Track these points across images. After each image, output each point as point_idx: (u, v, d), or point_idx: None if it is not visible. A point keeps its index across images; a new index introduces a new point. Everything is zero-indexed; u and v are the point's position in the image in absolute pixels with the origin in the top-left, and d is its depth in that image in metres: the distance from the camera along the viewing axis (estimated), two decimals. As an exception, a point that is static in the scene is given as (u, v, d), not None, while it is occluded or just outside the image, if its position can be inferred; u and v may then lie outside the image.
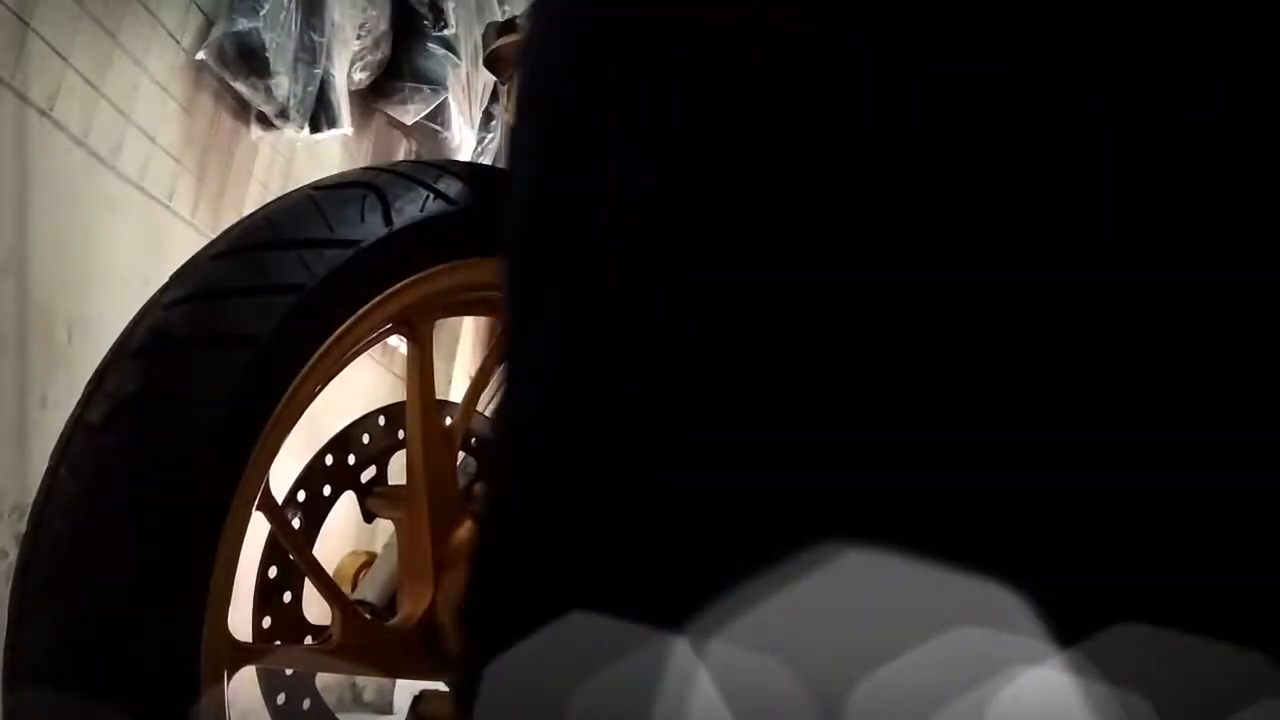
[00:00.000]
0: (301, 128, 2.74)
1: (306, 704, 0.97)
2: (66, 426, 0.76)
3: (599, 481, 0.46)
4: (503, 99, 1.20)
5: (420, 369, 0.97)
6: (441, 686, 0.99)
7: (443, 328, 3.61)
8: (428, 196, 0.91)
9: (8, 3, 1.91)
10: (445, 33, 3.29)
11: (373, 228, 0.86)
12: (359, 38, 2.99)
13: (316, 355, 0.83)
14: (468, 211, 0.94)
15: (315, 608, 0.99)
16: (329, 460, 1.04)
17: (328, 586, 0.93)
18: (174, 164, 2.48)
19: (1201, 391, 0.48)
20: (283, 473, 0.88)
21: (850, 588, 0.51)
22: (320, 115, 2.81)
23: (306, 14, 2.65)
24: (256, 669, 0.90)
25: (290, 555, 0.97)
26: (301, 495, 1.02)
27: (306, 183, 0.93)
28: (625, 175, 0.48)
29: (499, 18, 3.13)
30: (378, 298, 0.88)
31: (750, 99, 0.47)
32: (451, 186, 0.93)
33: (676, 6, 0.49)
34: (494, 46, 1.17)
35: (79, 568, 0.72)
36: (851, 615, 0.52)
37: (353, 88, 3.06)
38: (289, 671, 0.97)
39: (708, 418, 0.47)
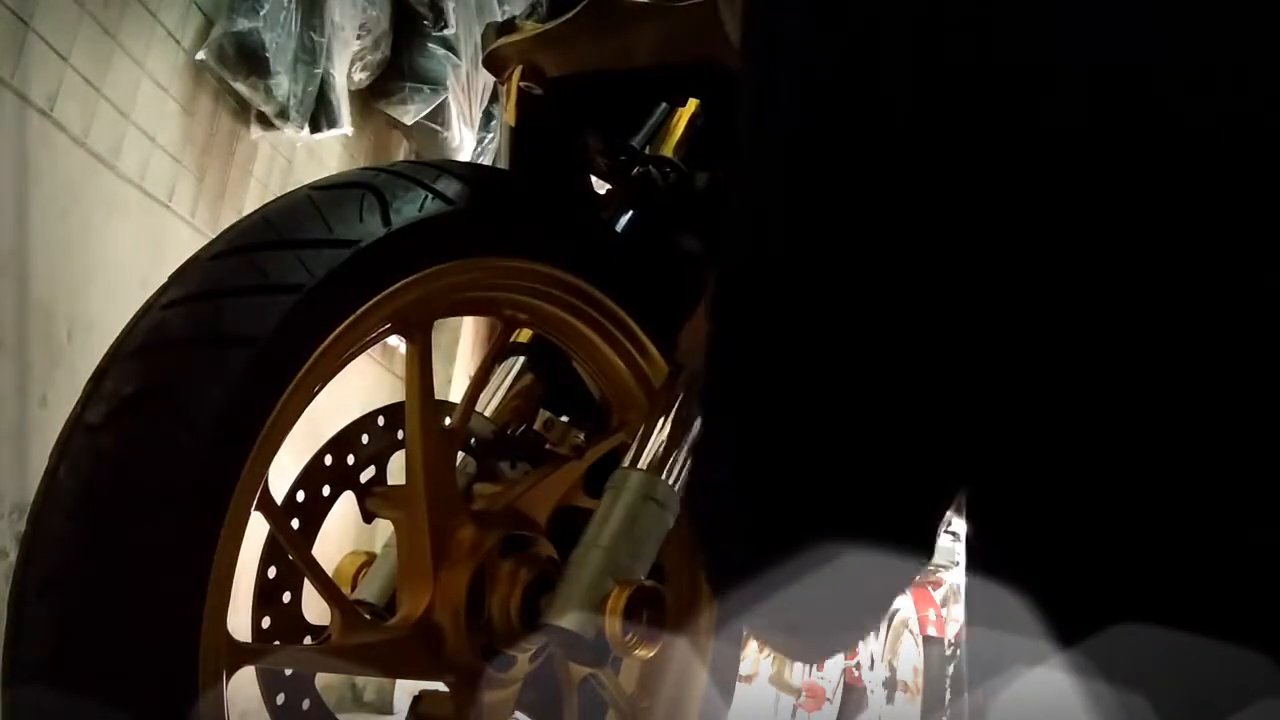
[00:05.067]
0: (301, 128, 2.74)
1: (306, 704, 0.97)
2: (65, 426, 0.76)
3: None
4: (502, 99, 1.20)
5: (419, 369, 0.97)
6: (441, 687, 0.99)
7: (442, 328, 3.61)
8: (426, 196, 0.91)
9: (8, 3, 1.91)
10: (445, 33, 3.28)
11: (371, 228, 0.86)
12: (359, 38, 2.99)
13: (315, 355, 0.83)
14: (466, 211, 0.94)
15: (315, 608, 0.98)
16: (328, 460, 1.04)
17: (327, 587, 0.93)
18: (174, 164, 2.48)
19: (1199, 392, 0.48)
20: (282, 473, 0.88)
21: None
22: (320, 115, 2.81)
23: (306, 14, 2.64)
24: (256, 669, 0.89)
25: (289, 555, 0.97)
26: (301, 495, 1.01)
27: (306, 183, 0.93)
28: None
29: (499, 18, 3.13)
30: (376, 298, 0.87)
31: None
32: (450, 187, 0.93)
33: None
34: (494, 46, 1.17)
35: (78, 568, 0.71)
36: None
37: (353, 88, 3.05)
38: (288, 671, 0.97)
39: None
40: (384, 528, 1.01)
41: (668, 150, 1.18)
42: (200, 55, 2.47)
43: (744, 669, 4.56)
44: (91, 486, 0.73)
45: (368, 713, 3.51)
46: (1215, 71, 0.47)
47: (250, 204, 2.74)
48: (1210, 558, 0.48)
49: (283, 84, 2.58)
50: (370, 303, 0.87)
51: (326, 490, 1.03)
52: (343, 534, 1.30)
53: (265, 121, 2.70)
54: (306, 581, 0.95)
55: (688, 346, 1.04)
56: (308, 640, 1.01)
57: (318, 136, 2.85)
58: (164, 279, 0.83)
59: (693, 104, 1.18)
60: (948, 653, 4.58)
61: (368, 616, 0.98)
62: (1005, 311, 0.53)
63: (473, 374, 1.12)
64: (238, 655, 0.82)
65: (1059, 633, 0.50)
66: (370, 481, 1.06)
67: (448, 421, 1.07)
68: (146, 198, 2.39)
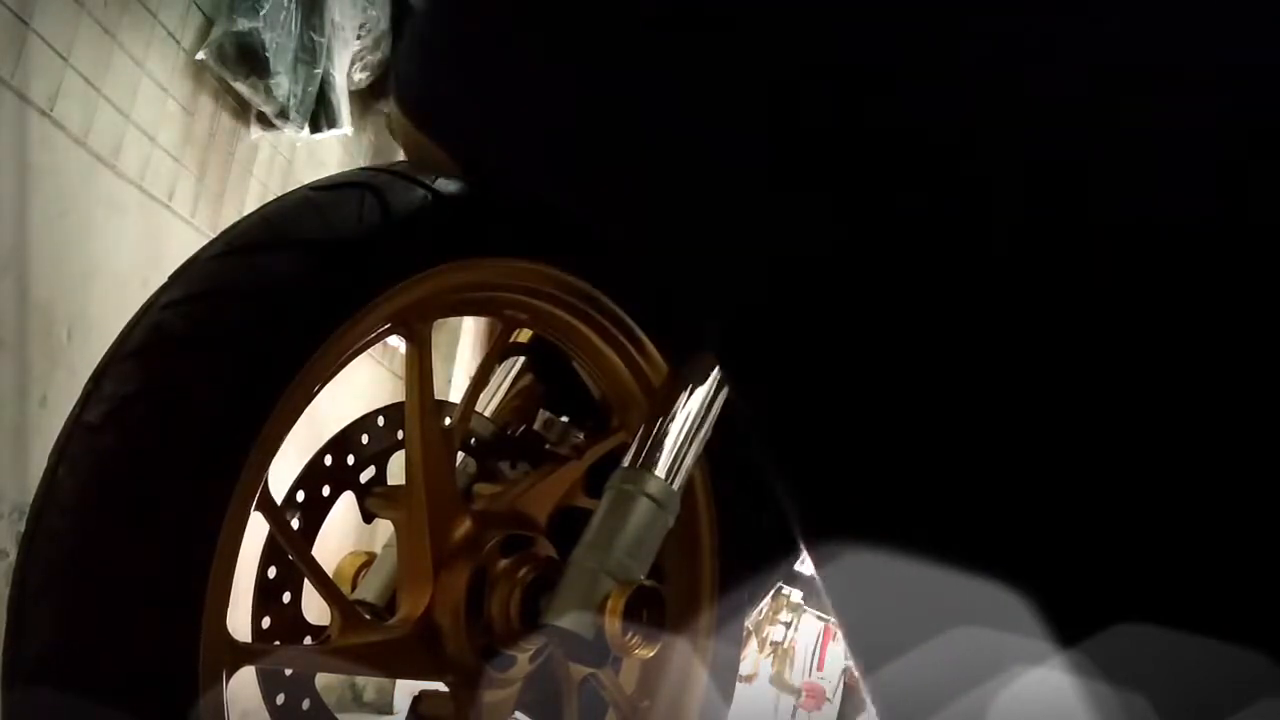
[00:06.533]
0: (301, 128, 2.74)
1: (306, 704, 0.97)
2: (65, 427, 0.76)
3: None
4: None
5: (419, 369, 0.97)
6: (441, 687, 0.99)
7: (442, 328, 3.61)
8: (425, 196, 0.91)
9: (8, 3, 1.91)
10: (445, 33, 3.28)
11: (370, 228, 0.86)
12: (359, 38, 2.99)
13: (314, 355, 0.83)
14: (466, 211, 0.94)
15: (315, 608, 0.99)
16: (328, 461, 1.04)
17: (327, 587, 0.93)
18: (174, 164, 2.48)
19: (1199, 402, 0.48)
20: (282, 473, 0.88)
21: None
22: (320, 115, 2.81)
23: (306, 14, 2.64)
24: (256, 669, 0.89)
25: (289, 555, 0.97)
26: (300, 495, 1.01)
27: (306, 183, 0.93)
28: None
29: (499, 18, 3.13)
30: (376, 298, 0.87)
31: None
32: (449, 186, 0.93)
33: None
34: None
35: (77, 568, 0.71)
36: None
37: (353, 88, 3.05)
38: (288, 671, 0.96)
39: None
40: (384, 528, 1.01)
41: (667, 150, 1.18)
42: (200, 55, 2.47)
43: (744, 669, 4.55)
44: (91, 486, 0.73)
45: (368, 713, 3.51)
46: None
47: (250, 204, 2.74)
48: (1210, 558, 0.48)
49: (283, 84, 2.58)
50: (370, 303, 0.87)
51: (326, 490, 1.03)
52: (343, 534, 1.30)
53: (265, 121, 2.70)
54: (306, 581, 0.95)
55: None
56: (308, 640, 1.01)
57: (318, 136, 2.86)
58: (164, 279, 0.83)
59: (693, 104, 1.18)
60: (948, 653, 4.55)
61: (368, 616, 0.98)
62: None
63: (473, 374, 1.11)
64: (238, 655, 0.82)
65: (1059, 633, 0.50)
66: (370, 481, 1.06)
67: (448, 421, 1.07)
68: (146, 198, 2.39)
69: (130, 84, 2.29)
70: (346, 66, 2.94)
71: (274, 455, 0.83)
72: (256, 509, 0.83)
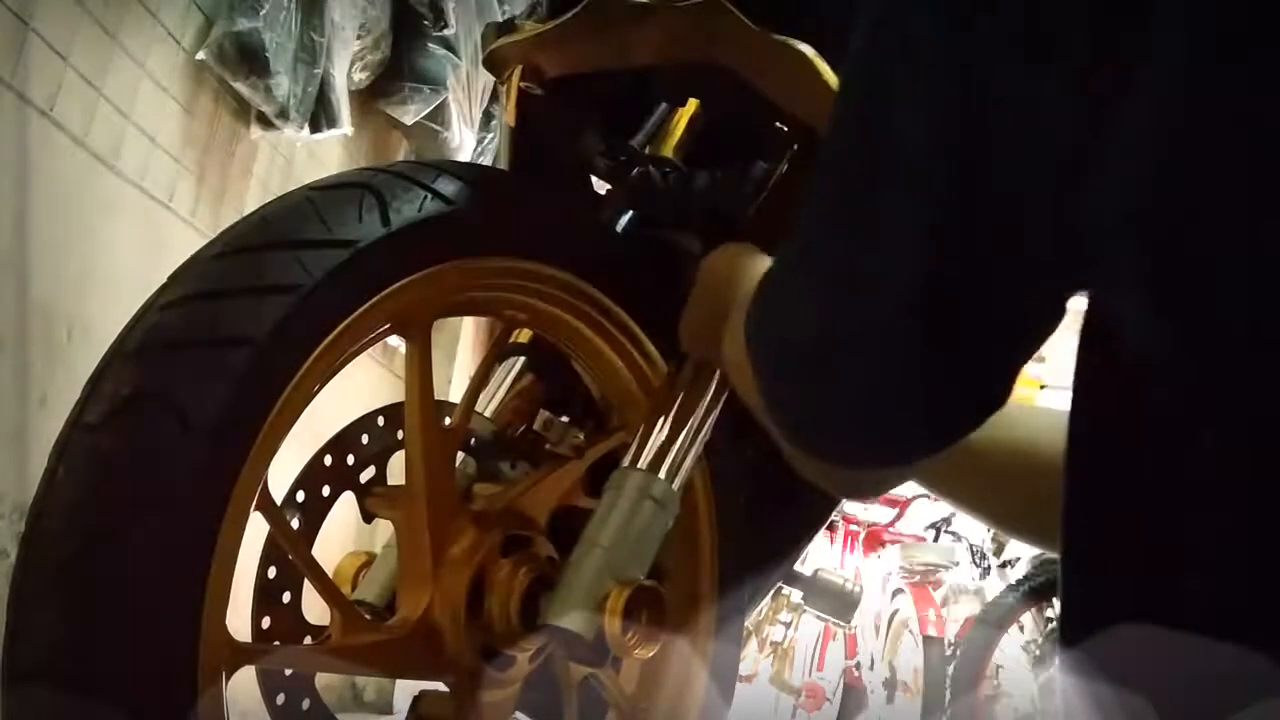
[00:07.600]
0: (301, 128, 2.74)
1: (306, 704, 0.97)
2: (64, 427, 0.76)
3: None
4: (502, 99, 1.20)
5: (419, 369, 0.97)
6: (441, 687, 0.99)
7: (442, 328, 3.62)
8: (425, 197, 0.91)
9: (8, 3, 1.90)
10: (445, 33, 3.28)
11: (370, 228, 0.86)
12: (359, 38, 2.99)
13: (314, 356, 0.83)
14: (466, 211, 0.94)
15: (315, 608, 0.99)
16: (328, 460, 1.04)
17: (327, 587, 0.93)
18: (174, 164, 2.48)
19: None
20: (282, 473, 0.88)
21: None
22: (320, 115, 2.80)
23: (306, 14, 2.64)
24: (256, 669, 0.89)
25: (289, 555, 0.97)
26: (300, 495, 1.01)
27: (305, 183, 0.93)
28: None
29: (499, 18, 3.13)
30: (375, 298, 0.87)
31: None
32: (449, 187, 0.93)
33: None
34: (493, 46, 1.17)
35: (77, 569, 0.71)
36: None
37: (353, 88, 3.05)
38: (288, 671, 0.96)
39: None
40: (384, 528, 1.01)
41: (668, 150, 1.18)
42: (200, 55, 2.47)
43: (744, 669, 4.56)
44: (90, 487, 0.73)
45: (368, 713, 3.51)
46: None
47: (250, 204, 2.74)
48: (1211, 556, 0.48)
49: (283, 84, 2.58)
50: (369, 303, 0.87)
51: (326, 490, 1.03)
52: (343, 534, 1.30)
53: (265, 121, 2.70)
54: (306, 581, 0.95)
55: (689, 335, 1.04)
56: (308, 640, 1.01)
57: (318, 136, 2.85)
58: (164, 279, 0.83)
59: (693, 104, 1.18)
60: (948, 653, 4.58)
61: (368, 616, 0.98)
62: None
63: (473, 374, 1.12)
64: (238, 655, 0.82)
65: (1059, 632, 0.50)
66: (370, 481, 1.06)
67: (448, 421, 1.07)
68: (146, 198, 2.39)
69: (130, 84, 2.29)
70: (346, 66, 2.94)
71: (273, 455, 0.83)
72: (256, 509, 0.83)
